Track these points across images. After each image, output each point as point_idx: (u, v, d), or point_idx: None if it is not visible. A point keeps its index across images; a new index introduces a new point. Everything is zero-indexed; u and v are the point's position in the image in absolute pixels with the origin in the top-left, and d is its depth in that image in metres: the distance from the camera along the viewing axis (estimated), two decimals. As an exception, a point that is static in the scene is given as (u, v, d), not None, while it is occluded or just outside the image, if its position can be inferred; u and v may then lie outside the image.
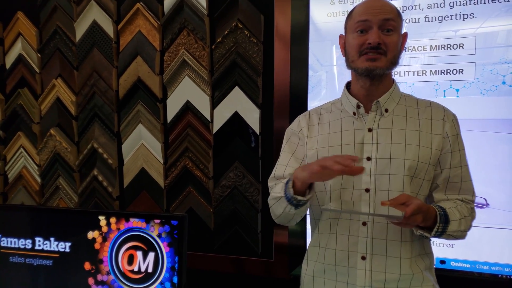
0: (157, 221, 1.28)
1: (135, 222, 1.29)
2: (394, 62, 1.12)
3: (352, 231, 1.14)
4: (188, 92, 1.87)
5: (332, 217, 1.17)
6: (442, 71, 1.58)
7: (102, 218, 1.35)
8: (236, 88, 1.80)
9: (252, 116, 1.79)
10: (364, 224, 1.12)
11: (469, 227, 1.10)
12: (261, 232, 1.83)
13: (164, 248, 1.25)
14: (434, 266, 1.20)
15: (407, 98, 1.18)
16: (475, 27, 1.54)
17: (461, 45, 1.55)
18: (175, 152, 1.91)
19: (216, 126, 1.84)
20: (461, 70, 1.56)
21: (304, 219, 1.77)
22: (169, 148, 1.92)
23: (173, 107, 1.90)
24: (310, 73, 1.74)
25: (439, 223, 1.01)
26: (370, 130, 1.13)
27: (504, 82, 1.51)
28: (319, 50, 1.74)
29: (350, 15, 1.16)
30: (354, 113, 1.16)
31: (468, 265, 1.61)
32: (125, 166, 2.01)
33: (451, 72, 1.57)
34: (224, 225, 1.86)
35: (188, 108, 1.87)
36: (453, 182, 1.13)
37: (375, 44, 1.07)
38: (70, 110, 2.08)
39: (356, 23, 1.11)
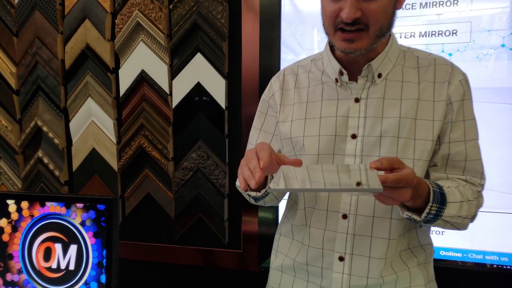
0: (80, 205, 1.02)
1: (52, 207, 1.03)
2: (382, 34, 0.86)
3: (329, 225, 0.93)
4: (143, 60, 1.62)
5: (307, 206, 0.96)
6: (433, 32, 1.37)
7: (11, 203, 1.08)
8: (198, 54, 1.56)
9: (217, 87, 1.55)
10: (344, 216, 0.91)
11: (473, 214, 0.88)
12: (228, 220, 1.61)
13: (88, 239, 1.00)
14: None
15: (407, 54, 0.95)
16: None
17: (455, 1, 1.34)
18: (129, 130, 1.66)
19: (176, 100, 1.60)
20: (454, 32, 1.35)
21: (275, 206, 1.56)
22: (122, 126, 1.68)
23: (126, 78, 1.65)
24: (288, 56, 1.52)
25: (432, 202, 0.79)
26: (357, 100, 0.92)
27: (503, 45, 1.31)
28: (300, 33, 1.51)
29: None
30: (337, 80, 0.94)
31: (459, 254, 1.43)
32: (73, 147, 1.76)
33: (443, 34, 1.37)
34: (186, 212, 1.63)
35: (143, 78, 1.63)
36: (454, 160, 0.91)
37: (350, 21, 0.81)
38: (10, 83, 1.81)
39: None
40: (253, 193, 0.92)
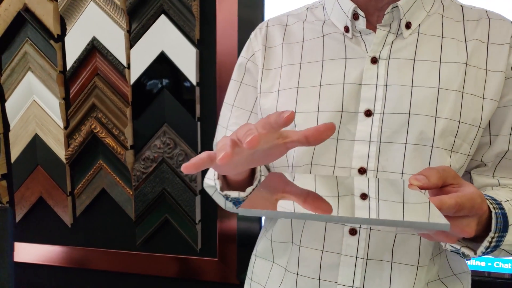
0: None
1: None
2: None
3: (329, 244, 0.65)
4: (94, 25, 1.30)
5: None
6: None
7: None
8: (162, 17, 1.24)
9: (185, 58, 1.25)
10: (353, 232, 0.63)
11: None
12: (200, 222, 1.32)
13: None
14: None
15: (446, 2, 0.67)
16: None
17: None
18: (79, 112, 1.35)
19: (135, 74, 1.29)
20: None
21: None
22: (70, 106, 1.36)
23: (74, 47, 1.33)
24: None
25: (494, 231, 0.51)
26: (374, 60, 0.63)
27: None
28: None
29: None
30: (347, 29, 0.66)
31: (483, 263, 1.17)
32: (11, 133, 1.44)
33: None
34: (149, 213, 1.33)
35: (94, 47, 1.31)
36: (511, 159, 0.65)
37: None
38: None
39: None
40: (234, 193, 0.62)
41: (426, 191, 0.50)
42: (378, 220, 0.36)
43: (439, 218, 0.37)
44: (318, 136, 0.42)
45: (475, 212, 0.45)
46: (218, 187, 0.63)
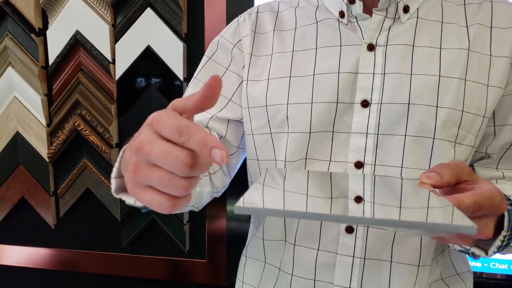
0: None
1: None
2: None
3: (324, 243, 0.61)
4: (77, 19, 1.25)
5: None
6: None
7: None
8: (148, 10, 1.20)
9: (172, 52, 1.21)
10: (349, 230, 0.59)
11: None
12: (188, 223, 1.28)
13: None
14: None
15: None
16: None
17: None
18: (62, 109, 1.30)
19: (120, 69, 1.24)
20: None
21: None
22: (53, 103, 1.31)
23: (56, 41, 1.28)
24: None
25: (507, 230, 0.48)
26: (371, 47, 0.60)
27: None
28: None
29: None
30: (342, 14, 0.62)
31: (479, 264, 1.15)
32: (-9, 130, 1.38)
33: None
34: (136, 213, 1.29)
35: (78, 42, 1.26)
36: None
37: None
38: None
39: None
40: (129, 199, 0.49)
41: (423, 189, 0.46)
42: (395, 221, 0.33)
43: (463, 220, 0.33)
44: (207, 102, 0.36)
45: (494, 211, 0.42)
46: (113, 187, 0.48)
